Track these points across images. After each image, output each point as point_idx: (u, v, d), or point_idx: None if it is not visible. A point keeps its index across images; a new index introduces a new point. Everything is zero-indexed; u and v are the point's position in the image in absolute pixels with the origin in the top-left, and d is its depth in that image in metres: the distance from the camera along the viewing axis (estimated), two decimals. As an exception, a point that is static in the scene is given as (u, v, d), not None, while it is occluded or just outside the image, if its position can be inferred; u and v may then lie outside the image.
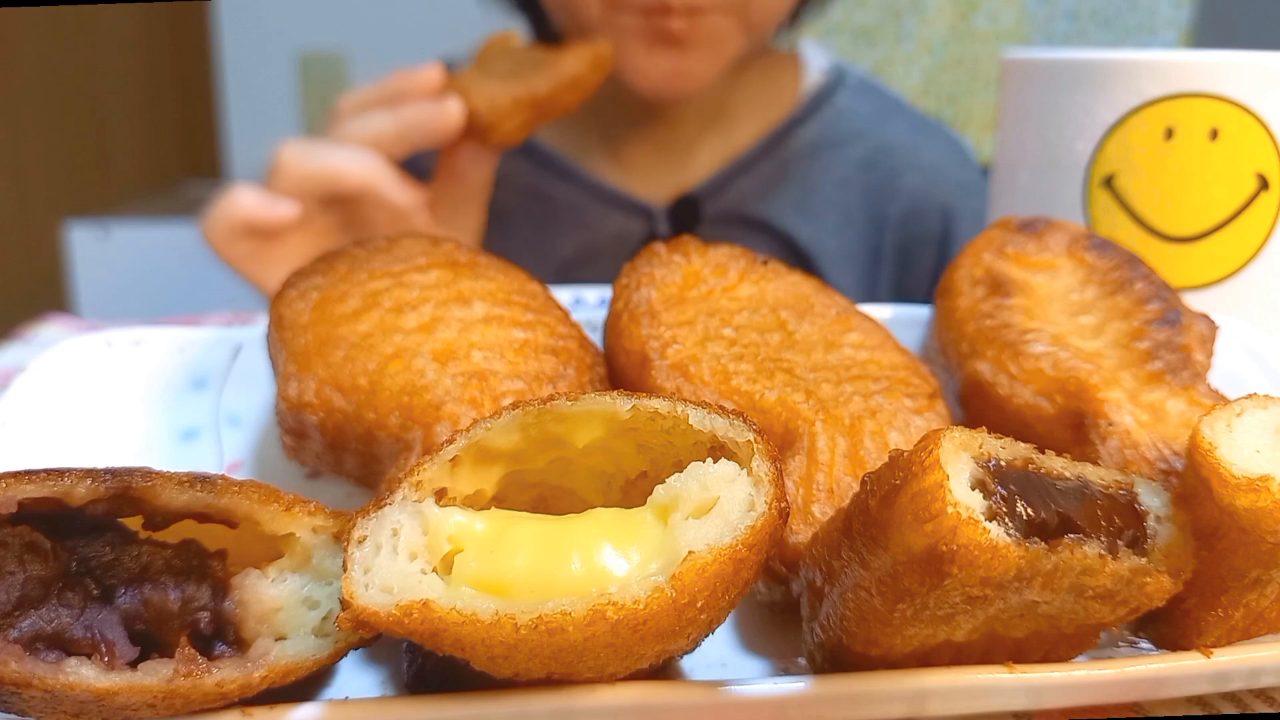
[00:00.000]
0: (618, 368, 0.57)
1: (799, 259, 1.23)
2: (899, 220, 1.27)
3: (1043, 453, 0.40)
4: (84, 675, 0.36)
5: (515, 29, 1.28)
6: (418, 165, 1.02)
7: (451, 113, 0.92)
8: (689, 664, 0.47)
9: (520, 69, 0.97)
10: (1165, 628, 0.44)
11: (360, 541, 0.39)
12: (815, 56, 1.33)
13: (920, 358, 0.61)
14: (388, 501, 0.40)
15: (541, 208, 1.24)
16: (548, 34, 1.19)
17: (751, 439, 0.39)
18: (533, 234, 1.24)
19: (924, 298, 1.24)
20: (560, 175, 1.24)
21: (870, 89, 1.34)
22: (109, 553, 0.39)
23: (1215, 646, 0.43)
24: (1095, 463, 0.42)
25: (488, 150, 0.99)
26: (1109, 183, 0.76)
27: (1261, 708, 0.46)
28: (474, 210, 1.03)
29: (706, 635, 0.40)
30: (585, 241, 1.23)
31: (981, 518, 0.36)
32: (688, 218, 1.23)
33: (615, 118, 1.24)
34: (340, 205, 0.95)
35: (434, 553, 0.39)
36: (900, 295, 1.27)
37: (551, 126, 1.25)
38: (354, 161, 0.91)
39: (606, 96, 1.21)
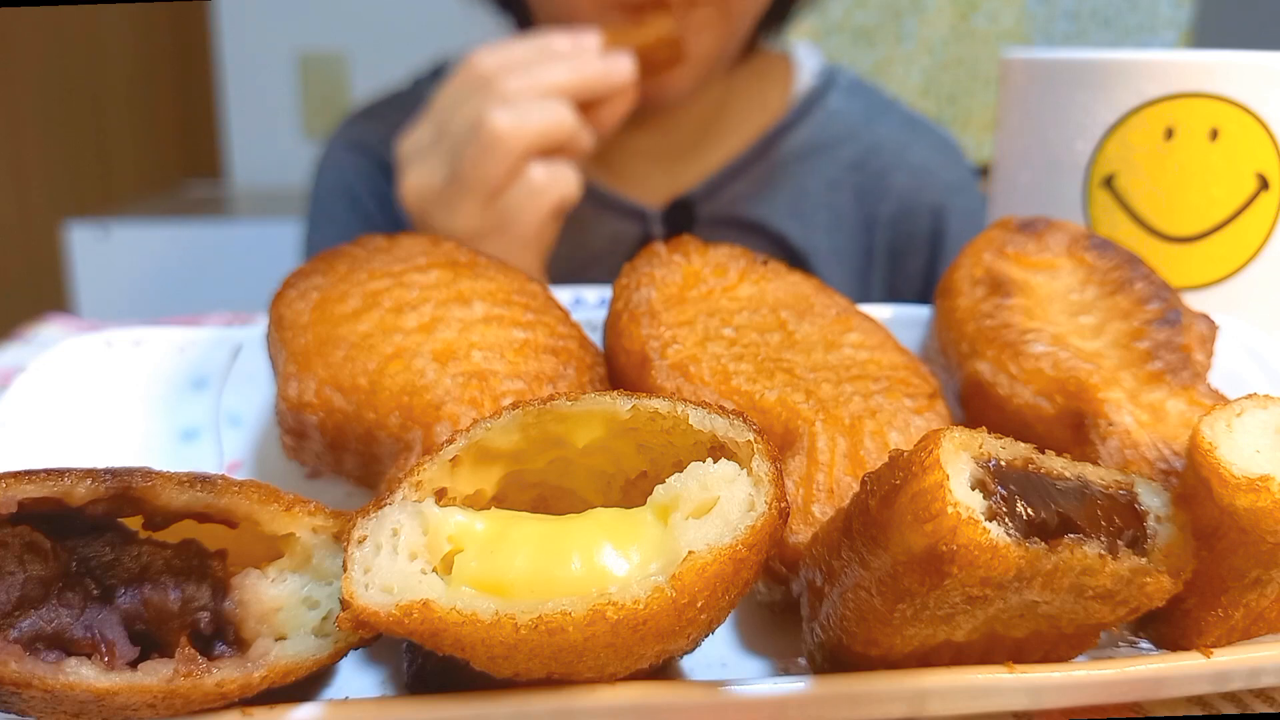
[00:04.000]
0: (618, 368, 0.57)
1: (793, 260, 1.23)
2: (889, 220, 1.27)
3: (1043, 453, 0.40)
4: (84, 675, 0.36)
5: (502, 32, 1.29)
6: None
7: (624, 66, 0.93)
8: (689, 664, 0.47)
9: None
10: (1165, 628, 0.44)
11: (360, 541, 0.39)
12: (807, 58, 1.33)
13: (920, 358, 0.61)
14: (388, 501, 0.40)
15: None
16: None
17: (751, 439, 0.39)
18: None
19: (915, 297, 1.25)
20: None
21: (861, 89, 1.34)
22: (109, 553, 0.39)
23: (1215, 646, 0.43)
24: (1095, 463, 0.42)
25: (630, 101, 0.99)
26: (1109, 183, 0.76)
27: (1261, 708, 0.46)
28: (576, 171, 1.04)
29: (706, 635, 0.40)
30: (579, 245, 1.23)
31: (981, 518, 0.36)
32: (682, 221, 1.23)
33: None
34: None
35: (434, 553, 0.39)
36: (892, 295, 1.27)
37: None
38: (558, 113, 0.91)
39: None
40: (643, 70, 0.95)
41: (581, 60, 0.93)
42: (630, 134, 1.24)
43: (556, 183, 0.93)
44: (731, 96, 1.23)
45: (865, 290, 1.27)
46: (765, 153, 1.26)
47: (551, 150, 0.92)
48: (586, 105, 0.97)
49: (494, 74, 0.93)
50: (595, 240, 1.22)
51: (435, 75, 1.33)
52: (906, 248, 1.28)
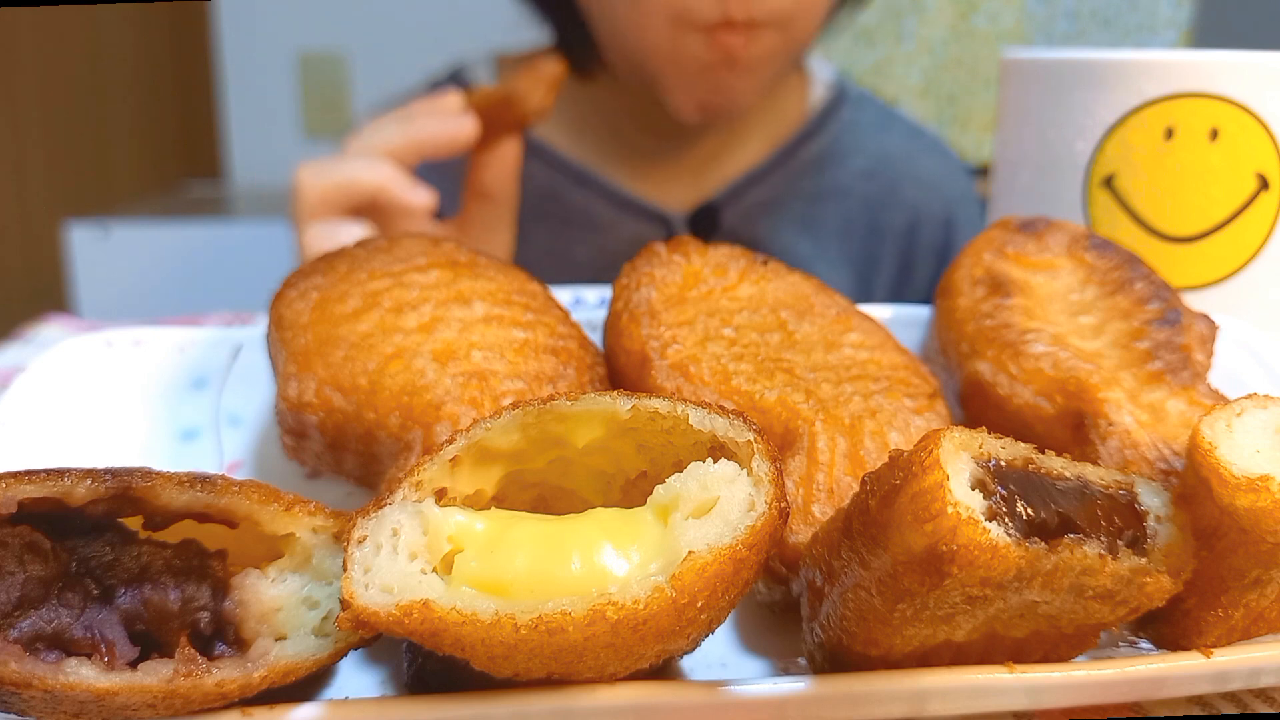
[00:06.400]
0: (618, 368, 0.57)
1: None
2: (902, 231, 1.31)
3: (1043, 453, 0.40)
4: (84, 675, 0.36)
5: (525, 40, 1.30)
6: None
7: (466, 125, 0.95)
8: (689, 664, 0.47)
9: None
10: (1165, 628, 0.44)
11: (360, 541, 0.39)
12: (820, 68, 1.36)
13: (920, 358, 0.61)
14: (388, 501, 0.40)
15: (559, 214, 1.26)
16: (584, 57, 1.22)
17: (751, 439, 0.39)
18: (550, 240, 1.26)
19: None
20: (577, 181, 1.27)
21: (868, 101, 1.38)
22: (109, 553, 0.39)
23: (1215, 646, 0.43)
24: (1095, 463, 0.42)
25: (510, 160, 1.01)
26: (1109, 183, 0.76)
27: (1261, 708, 0.46)
28: (503, 226, 1.05)
29: (706, 635, 0.40)
30: (602, 248, 1.25)
31: (981, 518, 0.36)
32: (707, 227, 1.25)
33: (633, 129, 1.27)
34: (374, 217, 0.97)
35: (434, 553, 0.39)
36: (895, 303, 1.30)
37: (568, 135, 1.27)
38: (364, 168, 0.94)
39: (626, 109, 1.23)
40: (489, 128, 0.98)
41: (417, 121, 0.96)
42: (653, 142, 1.27)
43: (335, 238, 0.93)
44: (752, 108, 1.25)
45: (867, 298, 1.29)
46: (784, 162, 1.29)
47: (355, 204, 0.94)
48: (478, 165, 1.00)
49: (355, 137, 0.98)
50: (618, 243, 1.25)
51: (452, 78, 1.34)
52: (915, 258, 1.31)
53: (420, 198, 0.95)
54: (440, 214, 1.04)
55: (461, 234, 1.05)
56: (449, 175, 1.08)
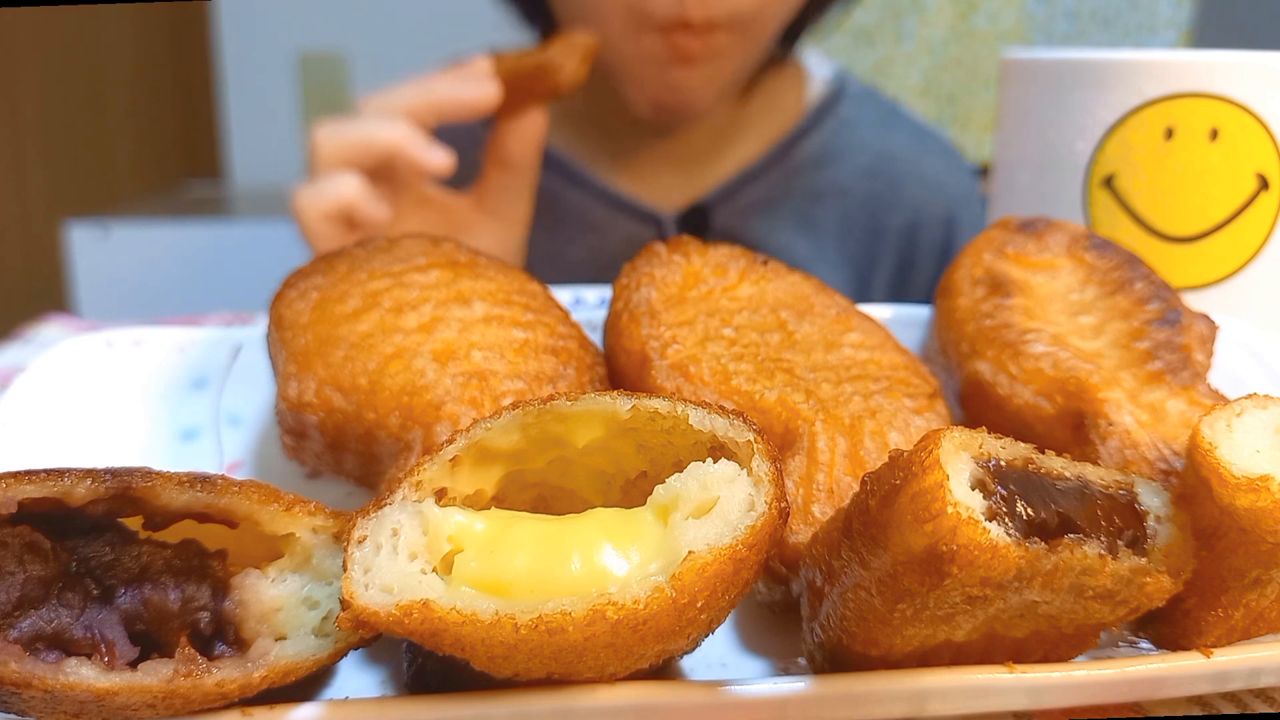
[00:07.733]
0: (618, 368, 0.57)
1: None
2: (901, 231, 1.29)
3: (1043, 453, 0.40)
4: (84, 675, 0.36)
5: (520, 41, 1.29)
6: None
7: (487, 89, 0.94)
8: (689, 664, 0.47)
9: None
10: (1165, 628, 0.44)
11: (360, 541, 0.39)
12: (818, 65, 1.35)
13: (920, 358, 0.61)
14: (388, 501, 0.40)
15: (551, 213, 1.25)
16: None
17: (751, 439, 0.39)
18: (543, 239, 1.25)
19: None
20: (570, 180, 1.26)
21: (870, 98, 1.36)
22: (109, 553, 0.39)
23: (1215, 646, 0.43)
24: (1095, 463, 0.42)
25: (535, 130, 1.00)
26: (1109, 183, 0.76)
27: (1261, 708, 0.46)
28: (523, 197, 1.04)
29: (706, 635, 0.40)
30: (595, 248, 1.24)
31: (981, 518, 0.36)
32: (698, 226, 1.24)
33: (626, 128, 1.26)
34: (388, 178, 0.95)
35: (434, 553, 0.39)
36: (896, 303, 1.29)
37: (561, 133, 1.26)
38: (380, 127, 0.93)
39: (617, 107, 1.22)
40: (518, 96, 0.97)
41: (437, 82, 0.95)
42: (647, 140, 1.26)
43: (324, 189, 0.93)
44: (746, 105, 1.25)
45: (866, 298, 1.28)
46: (779, 160, 1.27)
47: (369, 163, 0.93)
48: (501, 133, 0.99)
49: (366, 99, 0.97)
50: (611, 243, 1.24)
51: None
52: (916, 259, 1.29)
53: (436, 158, 0.94)
54: (459, 183, 1.03)
55: (480, 202, 1.04)
56: (470, 145, 1.07)
